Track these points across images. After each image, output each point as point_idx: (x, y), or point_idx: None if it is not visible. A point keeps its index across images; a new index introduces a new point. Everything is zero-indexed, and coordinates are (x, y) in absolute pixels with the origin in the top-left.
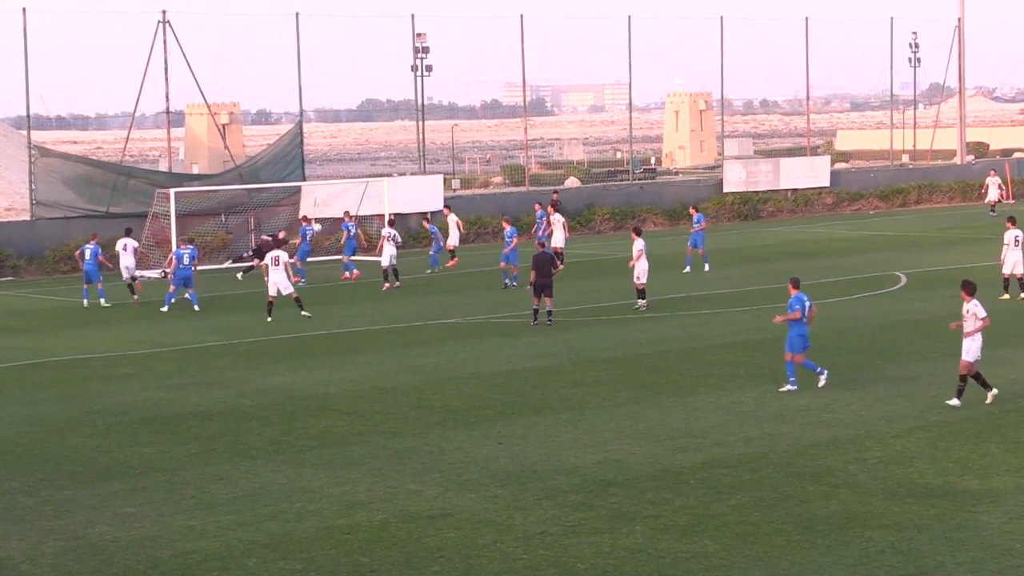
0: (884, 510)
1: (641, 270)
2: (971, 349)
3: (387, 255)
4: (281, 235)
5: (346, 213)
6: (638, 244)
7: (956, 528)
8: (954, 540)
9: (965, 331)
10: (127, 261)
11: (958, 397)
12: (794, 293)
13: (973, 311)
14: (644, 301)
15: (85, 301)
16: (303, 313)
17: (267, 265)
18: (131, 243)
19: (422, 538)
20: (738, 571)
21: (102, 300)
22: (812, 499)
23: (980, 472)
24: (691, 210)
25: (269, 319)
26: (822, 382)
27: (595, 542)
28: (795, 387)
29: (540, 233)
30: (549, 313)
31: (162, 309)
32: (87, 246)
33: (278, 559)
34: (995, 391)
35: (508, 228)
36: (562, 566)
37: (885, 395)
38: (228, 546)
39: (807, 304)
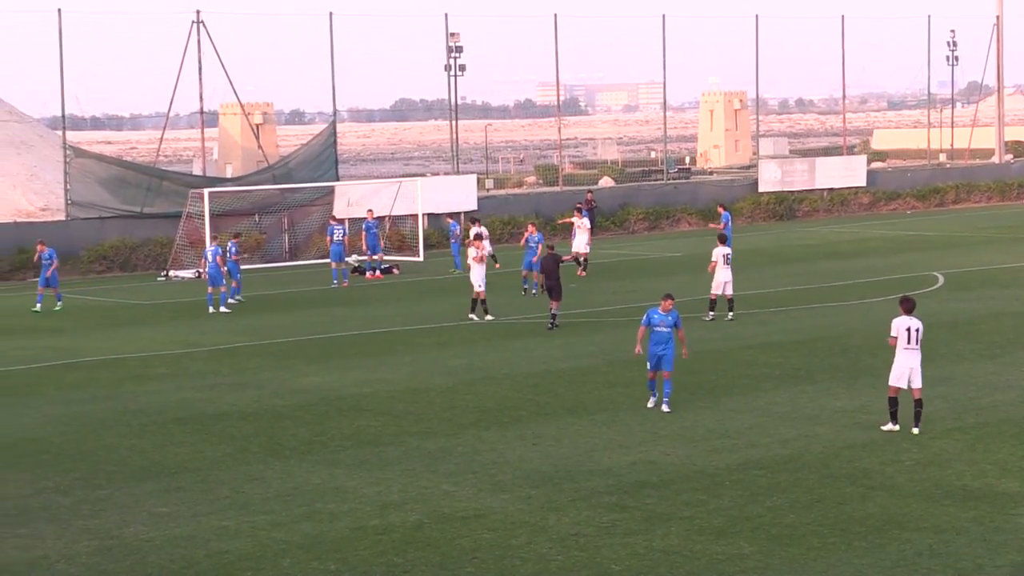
0: (921, 512)
1: (722, 279)
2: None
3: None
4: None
5: (369, 212)
6: (719, 251)
7: (995, 531)
8: (993, 543)
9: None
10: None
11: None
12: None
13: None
14: (732, 314)
15: (211, 308)
16: (488, 317)
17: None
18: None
19: (456, 539)
20: (773, 573)
21: (224, 304)
22: (848, 501)
23: (1020, 474)
24: (719, 208)
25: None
26: None
27: (629, 543)
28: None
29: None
30: (553, 316)
31: (222, 309)
32: (209, 248)
33: (312, 559)
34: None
35: (535, 234)
36: (596, 567)
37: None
38: (262, 546)
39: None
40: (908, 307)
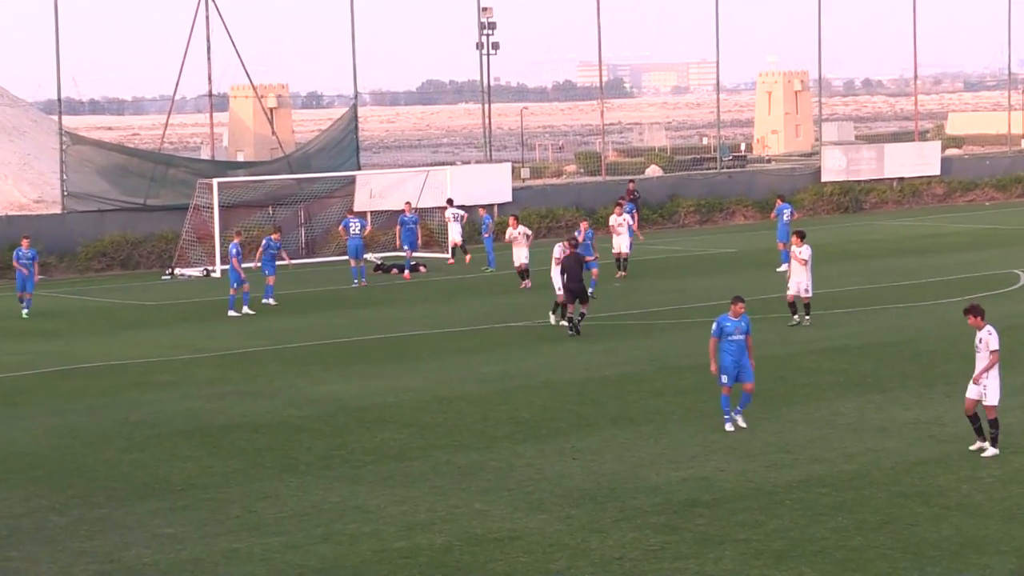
0: (1002, 534)
1: (800, 281)
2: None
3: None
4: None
5: (407, 205)
6: (802, 252)
7: None
8: None
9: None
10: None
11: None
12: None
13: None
14: (808, 316)
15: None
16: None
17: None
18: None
19: (489, 563)
20: None
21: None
22: (921, 522)
23: None
24: (778, 200)
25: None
26: None
27: (679, 568)
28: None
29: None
30: (581, 316)
31: (267, 301)
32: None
33: None
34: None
35: (586, 230)
36: None
37: (1002, 407)
38: (276, 570)
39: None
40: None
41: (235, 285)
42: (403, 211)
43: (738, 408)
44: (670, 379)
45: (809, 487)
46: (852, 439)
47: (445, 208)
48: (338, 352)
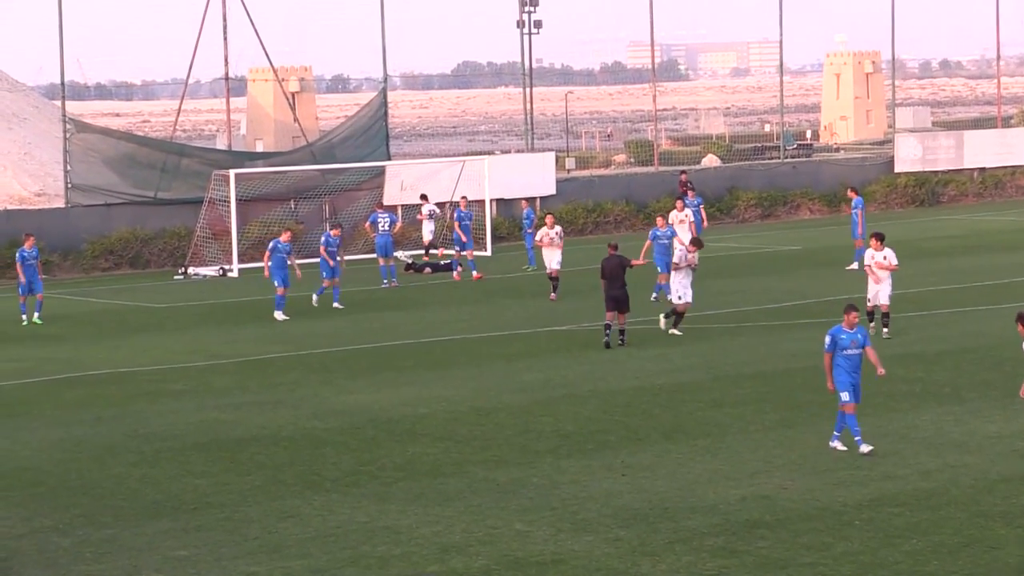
0: None
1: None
2: None
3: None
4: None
5: (463, 199)
6: (882, 256)
7: None
8: None
9: None
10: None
11: None
12: None
13: None
14: (886, 329)
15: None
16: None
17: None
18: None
19: None
20: None
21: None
22: (1004, 545)
23: None
24: (850, 193)
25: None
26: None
27: None
28: None
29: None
30: (621, 332)
31: (335, 305)
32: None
33: None
34: None
35: (665, 228)
36: None
37: None
38: None
39: None
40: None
41: (326, 276)
42: (458, 205)
43: (835, 433)
44: (728, 389)
45: (881, 507)
46: (928, 454)
47: (421, 204)
48: (366, 358)
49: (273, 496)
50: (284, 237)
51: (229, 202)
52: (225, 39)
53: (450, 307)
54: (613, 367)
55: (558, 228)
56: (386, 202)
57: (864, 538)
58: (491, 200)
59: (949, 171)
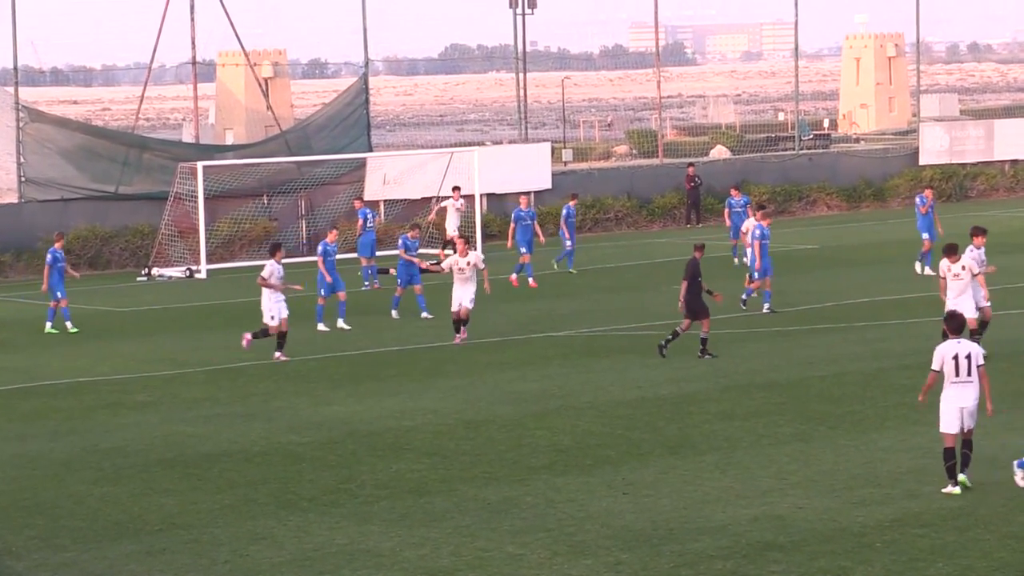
0: None
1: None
2: None
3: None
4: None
5: (523, 198)
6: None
7: None
8: None
9: None
10: None
11: None
12: None
13: None
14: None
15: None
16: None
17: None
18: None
19: None
20: None
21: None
22: None
23: None
24: (926, 193)
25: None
26: None
27: None
28: None
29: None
30: (702, 342)
31: (393, 313)
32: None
33: None
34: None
35: (739, 197)
36: None
37: None
38: None
39: None
40: (953, 327)
41: (401, 284)
42: (518, 205)
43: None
44: (739, 400)
45: (904, 527)
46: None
47: (452, 196)
48: (346, 366)
49: (244, 516)
50: (331, 237)
51: (196, 197)
52: (192, 20)
53: (437, 311)
54: (614, 376)
55: (473, 255)
56: (367, 197)
57: (886, 562)
58: (481, 195)
59: (978, 163)
